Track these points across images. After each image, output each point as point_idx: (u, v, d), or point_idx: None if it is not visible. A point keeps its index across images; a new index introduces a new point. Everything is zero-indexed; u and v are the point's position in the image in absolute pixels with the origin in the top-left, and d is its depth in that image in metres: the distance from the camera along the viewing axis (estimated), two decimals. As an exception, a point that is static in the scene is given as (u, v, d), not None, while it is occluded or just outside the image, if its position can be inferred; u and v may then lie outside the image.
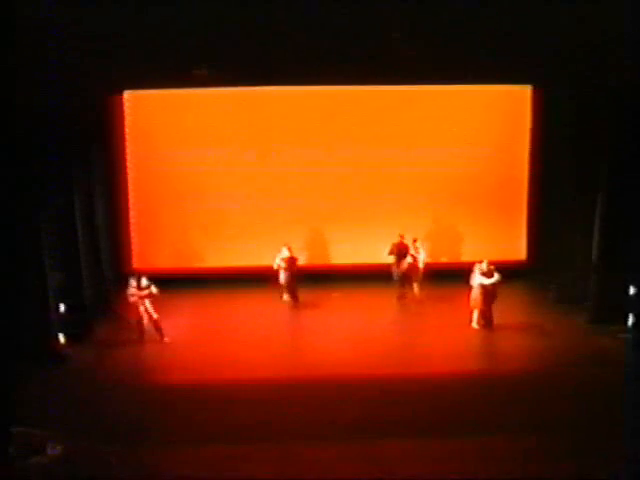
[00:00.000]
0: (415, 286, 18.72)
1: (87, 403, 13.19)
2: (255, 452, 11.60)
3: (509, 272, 19.82)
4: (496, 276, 16.52)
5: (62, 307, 16.04)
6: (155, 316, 16.33)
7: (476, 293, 16.60)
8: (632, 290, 15.80)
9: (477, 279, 16.56)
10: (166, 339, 16.36)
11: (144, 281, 16.33)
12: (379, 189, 20.04)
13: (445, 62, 16.84)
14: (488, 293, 16.59)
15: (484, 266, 16.65)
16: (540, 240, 19.99)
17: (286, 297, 18.78)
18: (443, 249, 20.60)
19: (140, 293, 16.25)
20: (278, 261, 18.48)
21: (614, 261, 16.46)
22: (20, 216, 13.68)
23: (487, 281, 16.48)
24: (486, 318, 16.68)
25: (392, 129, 19.99)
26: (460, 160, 20.00)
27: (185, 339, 16.71)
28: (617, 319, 16.16)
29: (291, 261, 18.51)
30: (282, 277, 18.57)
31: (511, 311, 18.50)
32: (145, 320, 16.36)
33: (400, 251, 18.84)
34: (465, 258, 19.68)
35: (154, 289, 16.24)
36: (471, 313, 16.71)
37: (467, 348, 15.85)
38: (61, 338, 15.83)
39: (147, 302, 16.26)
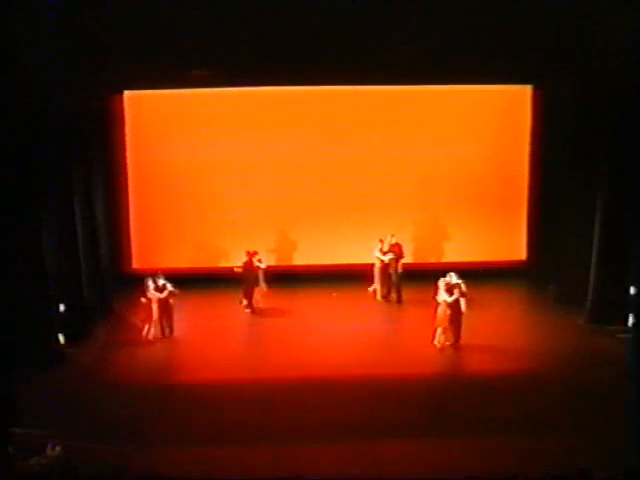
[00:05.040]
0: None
1: (87, 403, 13.19)
2: (254, 452, 11.61)
3: (509, 272, 20.02)
4: (456, 293, 15.57)
5: (62, 307, 16.04)
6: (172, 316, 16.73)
7: (441, 310, 15.71)
8: (632, 290, 15.82)
9: (441, 295, 15.69)
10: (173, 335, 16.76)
11: (161, 282, 16.55)
12: (379, 189, 20.03)
13: (445, 62, 16.84)
14: (453, 310, 15.61)
15: (449, 280, 15.82)
16: (540, 240, 20.00)
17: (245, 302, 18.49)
18: (443, 249, 20.62)
19: (160, 295, 16.42)
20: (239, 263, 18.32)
21: (614, 261, 16.45)
22: (20, 216, 13.68)
23: (449, 298, 15.58)
24: (453, 336, 15.79)
25: (392, 129, 19.99)
26: (460, 160, 20.01)
27: (185, 339, 16.71)
28: (617, 319, 16.18)
29: (247, 266, 18.25)
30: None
31: (511, 311, 18.56)
32: (157, 320, 16.50)
33: (395, 252, 18.81)
34: (465, 258, 19.68)
35: (170, 287, 16.58)
36: (434, 331, 15.85)
37: (466, 348, 15.83)
38: (61, 338, 15.83)
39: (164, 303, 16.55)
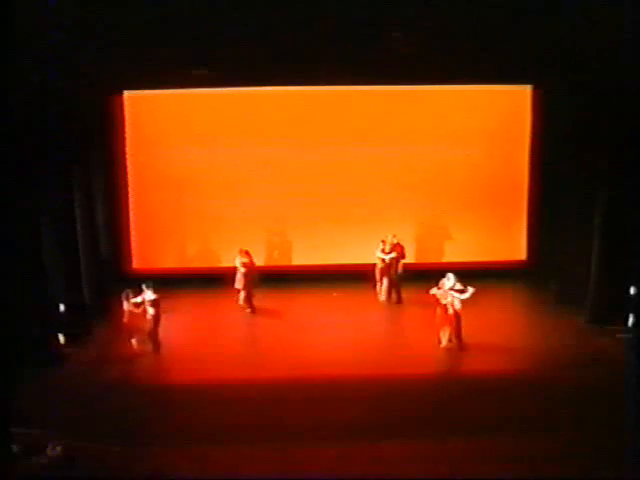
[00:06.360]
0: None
1: (87, 403, 13.20)
2: (255, 452, 11.61)
3: (509, 272, 20.03)
4: (470, 290, 15.53)
5: (62, 307, 16.04)
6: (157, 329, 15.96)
7: (440, 312, 15.72)
8: (632, 290, 15.84)
9: (439, 295, 15.70)
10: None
11: (149, 293, 15.83)
12: (379, 189, 20.03)
13: (445, 62, 16.84)
14: (453, 311, 15.63)
15: (448, 281, 15.78)
16: (540, 240, 20.00)
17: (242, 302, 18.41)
18: (443, 249, 20.61)
19: (137, 310, 15.81)
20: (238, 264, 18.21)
21: (614, 261, 16.45)
22: (20, 216, 13.69)
23: (449, 299, 15.56)
24: (457, 337, 15.76)
25: (392, 129, 19.98)
26: (460, 160, 19.98)
27: (185, 339, 16.71)
28: (617, 319, 16.19)
29: (250, 265, 18.22)
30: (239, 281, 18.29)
31: (511, 311, 18.56)
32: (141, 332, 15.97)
33: (397, 252, 18.89)
34: (465, 258, 19.68)
35: (150, 297, 15.77)
36: (439, 332, 15.87)
37: (466, 348, 15.83)
38: (61, 338, 15.83)
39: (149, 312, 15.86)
